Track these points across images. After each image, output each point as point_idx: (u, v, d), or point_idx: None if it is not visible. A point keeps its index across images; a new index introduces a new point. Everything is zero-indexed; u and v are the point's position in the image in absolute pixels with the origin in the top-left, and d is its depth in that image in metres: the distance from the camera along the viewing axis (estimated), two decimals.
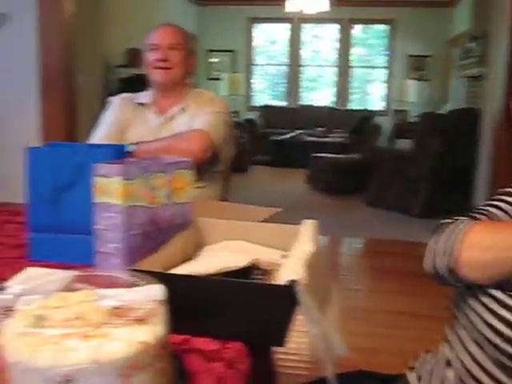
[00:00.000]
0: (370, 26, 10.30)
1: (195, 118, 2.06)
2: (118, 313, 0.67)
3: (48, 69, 4.46)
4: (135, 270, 0.80)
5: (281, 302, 0.86)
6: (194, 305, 0.86)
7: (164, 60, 2.05)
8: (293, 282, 0.85)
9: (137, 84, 3.24)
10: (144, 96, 2.19)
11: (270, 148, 8.80)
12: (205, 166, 1.88)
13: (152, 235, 1.10)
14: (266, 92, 10.94)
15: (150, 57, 2.08)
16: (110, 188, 1.04)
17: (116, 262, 1.05)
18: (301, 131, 9.18)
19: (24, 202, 1.46)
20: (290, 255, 1.01)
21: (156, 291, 0.70)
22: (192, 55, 2.16)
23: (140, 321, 0.66)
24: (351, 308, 3.07)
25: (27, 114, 4.60)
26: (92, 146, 1.59)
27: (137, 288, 0.72)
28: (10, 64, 4.60)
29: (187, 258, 1.11)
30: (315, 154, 7.07)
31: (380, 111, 9.77)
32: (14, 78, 4.62)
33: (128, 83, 6.09)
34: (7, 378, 0.63)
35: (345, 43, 10.12)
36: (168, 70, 2.06)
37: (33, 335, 0.63)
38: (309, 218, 1.18)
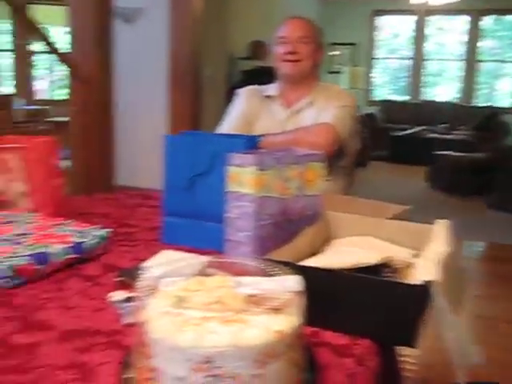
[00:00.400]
0: (502, 16, 9.70)
1: (322, 112, 2.04)
2: (255, 301, 0.68)
3: (177, 62, 4.65)
4: (269, 260, 0.81)
5: (415, 302, 0.84)
6: (327, 298, 0.86)
7: (293, 53, 2.05)
8: (428, 282, 0.82)
9: (259, 76, 3.28)
10: (271, 88, 2.21)
11: (390, 143, 8.61)
12: (331, 160, 1.86)
13: (282, 226, 1.11)
14: (386, 86, 10.68)
15: (279, 50, 2.09)
16: (243, 177, 1.06)
17: (246, 250, 1.07)
18: (422, 127, 8.87)
19: (154, 187, 1.53)
20: (424, 255, 0.98)
21: (293, 282, 0.71)
22: (321, 48, 2.14)
23: (277, 310, 0.67)
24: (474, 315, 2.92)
25: (157, 105, 4.83)
26: (226, 135, 1.62)
27: (273, 277, 0.73)
28: (143, 56, 4.85)
29: (315, 251, 1.11)
30: (437, 152, 6.82)
31: (509, 108, 9.19)
32: (146, 69, 4.86)
33: (250, 75, 6.20)
34: (148, 353, 0.66)
35: (473, 36, 9.61)
36: (297, 62, 2.06)
37: (175, 315, 0.65)
38: (428, 217, 1.14)
